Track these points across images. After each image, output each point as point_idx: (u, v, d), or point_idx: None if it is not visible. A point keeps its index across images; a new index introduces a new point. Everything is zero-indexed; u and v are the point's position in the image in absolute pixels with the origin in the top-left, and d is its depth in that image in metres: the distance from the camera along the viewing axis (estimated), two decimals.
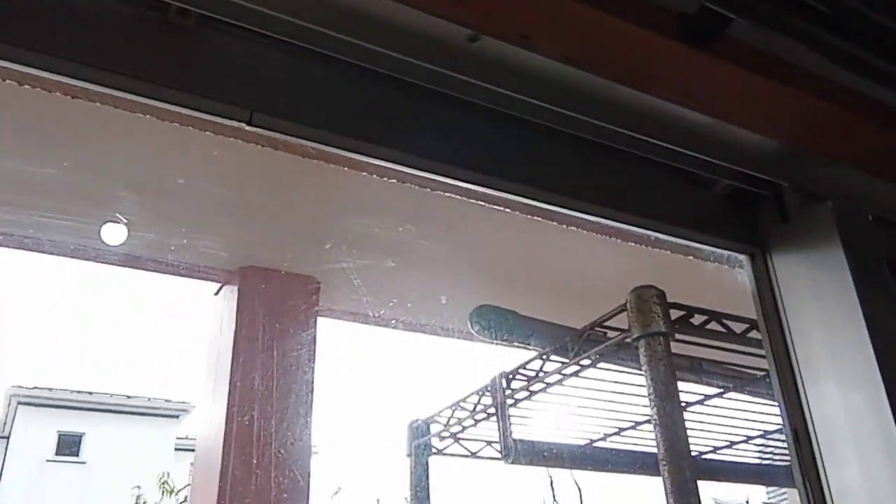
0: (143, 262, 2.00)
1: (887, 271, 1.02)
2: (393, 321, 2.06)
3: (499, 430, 1.55)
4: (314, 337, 2.08)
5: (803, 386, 1.01)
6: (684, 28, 0.90)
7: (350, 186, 1.47)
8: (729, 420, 1.82)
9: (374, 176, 1.09)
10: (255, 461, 1.86)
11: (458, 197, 1.08)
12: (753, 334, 1.22)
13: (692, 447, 2.01)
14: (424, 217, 1.48)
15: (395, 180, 1.09)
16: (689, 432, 1.88)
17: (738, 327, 1.31)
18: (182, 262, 2.02)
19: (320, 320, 2.10)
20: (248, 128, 0.80)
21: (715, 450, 1.96)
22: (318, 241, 1.91)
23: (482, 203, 1.11)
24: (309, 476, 1.91)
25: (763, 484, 2.03)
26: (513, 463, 1.55)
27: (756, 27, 0.92)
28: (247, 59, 0.79)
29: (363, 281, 1.90)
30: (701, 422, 1.82)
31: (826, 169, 1.06)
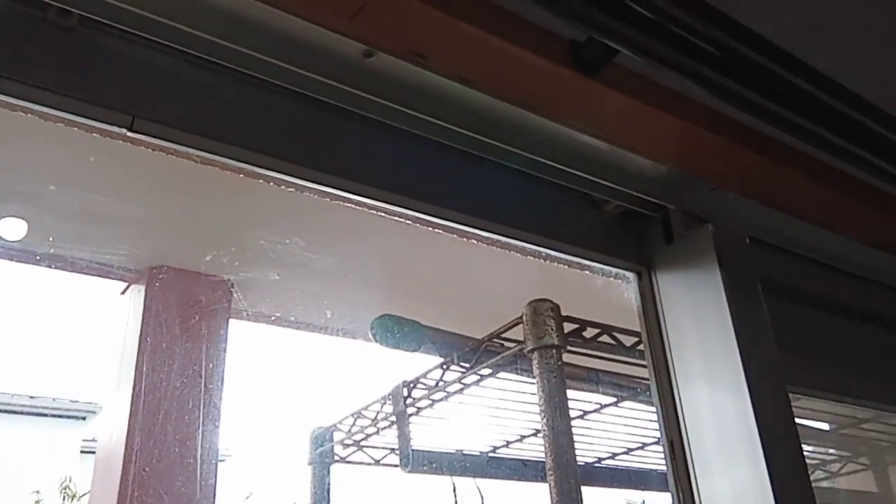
0: (45, 258, 1.91)
1: (760, 290, 1.08)
2: (306, 324, 2.04)
3: (399, 438, 1.55)
4: (225, 339, 2.04)
5: (679, 398, 1.07)
6: (576, 55, 0.93)
7: (250, 194, 1.46)
8: (622, 428, 1.88)
9: (272, 184, 1.08)
10: (158, 465, 1.81)
11: (358, 208, 1.08)
12: (642, 347, 1.26)
13: (587, 455, 2.09)
14: (324, 227, 1.47)
15: (292, 189, 1.08)
16: (584, 440, 1.96)
17: (629, 340, 1.36)
18: (87, 259, 1.95)
19: (233, 322, 2.06)
20: (129, 133, 0.79)
21: (613, 455, 2.03)
22: (222, 245, 1.87)
23: (382, 215, 1.11)
24: (215, 481, 1.87)
25: (650, 489, 2.12)
26: (411, 472, 1.56)
27: (643, 60, 0.96)
28: (130, 63, 0.77)
29: (277, 286, 1.88)
30: (596, 430, 1.88)
31: (709, 193, 1.12)
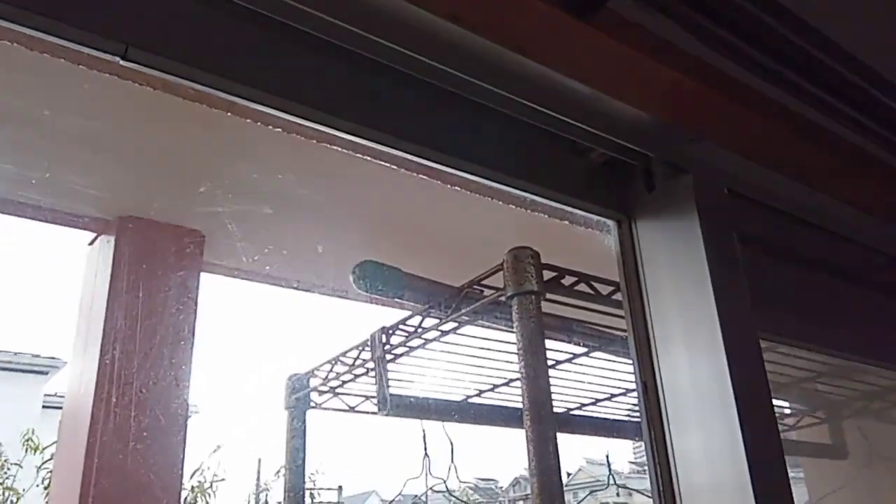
0: (7, 206, 1.86)
1: (737, 241, 1.11)
2: (280, 280, 2.03)
3: (376, 383, 1.58)
4: (196, 293, 2.02)
5: (655, 345, 1.10)
6: None
7: (235, 133, 1.43)
8: (597, 378, 1.93)
9: (259, 124, 1.06)
10: (127, 419, 1.80)
11: (343, 150, 1.07)
12: (618, 296, 1.29)
13: (562, 403, 2.13)
14: (308, 169, 1.46)
15: (280, 129, 1.07)
16: (559, 389, 2.00)
17: (606, 289, 1.39)
18: (52, 208, 1.90)
19: (205, 276, 2.04)
20: (122, 62, 0.77)
21: (581, 406, 2.08)
22: (198, 190, 1.84)
23: (367, 158, 1.11)
24: (185, 435, 1.87)
25: (624, 438, 2.18)
26: (388, 415, 1.58)
27: (637, 4, 0.97)
28: None
29: (243, 232, 1.86)
30: (571, 379, 1.92)
31: (691, 143, 1.14)
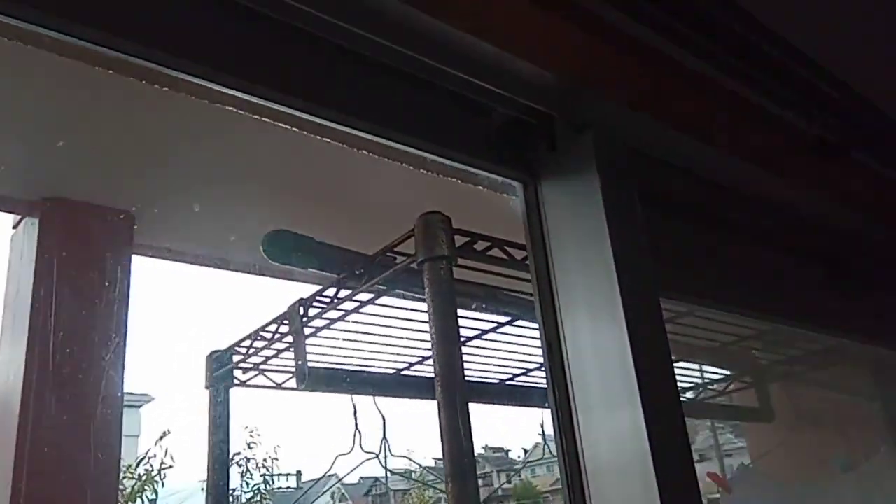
0: None
1: (637, 199, 1.11)
2: (206, 261, 1.99)
3: (295, 356, 1.55)
4: (128, 275, 1.95)
5: (560, 309, 1.09)
6: None
7: (133, 97, 1.38)
8: (524, 348, 1.93)
9: (144, 82, 1.02)
10: (59, 413, 1.74)
11: (238, 110, 1.04)
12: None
13: (495, 375, 2.14)
14: (215, 136, 1.42)
15: (167, 88, 1.03)
16: (488, 360, 2.00)
17: (521, 255, 1.38)
18: None
19: (137, 259, 1.97)
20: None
21: (513, 377, 2.08)
22: (120, 172, 1.78)
23: (266, 119, 1.07)
24: (121, 421, 1.81)
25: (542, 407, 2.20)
26: (307, 389, 1.56)
27: None
28: None
29: (163, 210, 1.81)
30: (498, 349, 1.92)
31: (593, 102, 1.13)
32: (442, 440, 1.17)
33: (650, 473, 0.94)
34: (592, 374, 1.05)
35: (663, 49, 1.11)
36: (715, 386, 2.51)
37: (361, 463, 1.86)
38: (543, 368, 1.12)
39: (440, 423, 1.18)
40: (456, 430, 1.12)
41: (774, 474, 2.74)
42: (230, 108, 1.04)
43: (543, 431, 2.55)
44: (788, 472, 2.66)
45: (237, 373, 1.84)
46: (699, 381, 2.47)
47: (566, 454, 1.05)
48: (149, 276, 2.02)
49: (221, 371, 1.73)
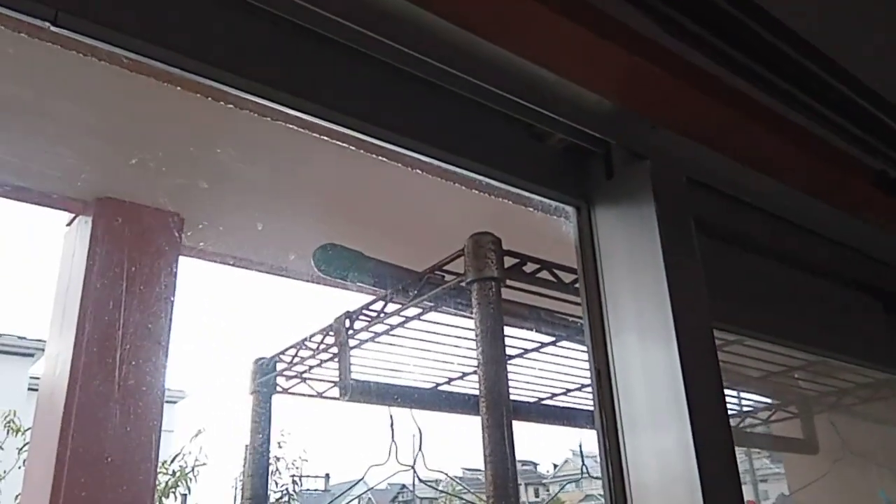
0: None
1: (693, 228, 1.10)
2: (257, 265, 2.02)
3: (339, 368, 1.57)
4: (175, 276, 2.00)
5: (609, 334, 1.09)
6: None
7: (210, 116, 1.42)
8: (567, 367, 1.93)
9: (210, 99, 1.05)
10: (101, 405, 1.78)
11: (301, 130, 1.06)
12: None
13: (532, 393, 2.13)
14: (273, 152, 1.44)
15: (252, 112, 1.05)
16: (528, 379, 2.00)
17: (569, 277, 1.38)
18: (31, 188, 1.88)
19: (184, 260, 2.02)
20: (53, 28, 0.75)
21: (552, 396, 2.07)
22: (175, 172, 1.82)
23: (326, 138, 1.09)
24: (161, 418, 1.85)
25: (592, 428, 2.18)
26: (350, 401, 1.57)
27: None
28: None
29: (216, 215, 1.85)
30: (540, 369, 1.91)
31: (650, 131, 1.13)
32: (485, 462, 1.17)
33: (697, 494, 0.94)
34: (641, 399, 1.05)
35: (726, 80, 1.11)
36: (759, 414, 2.46)
37: (395, 473, 1.87)
38: (587, 389, 1.12)
39: (484, 444, 1.19)
40: (502, 455, 1.12)
41: None
42: (290, 126, 1.06)
43: (581, 450, 2.53)
44: None
45: (280, 379, 1.87)
46: (744, 408, 2.42)
47: (612, 476, 1.05)
48: (197, 277, 2.06)
49: (265, 378, 1.76)
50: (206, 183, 1.63)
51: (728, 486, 1.00)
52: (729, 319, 1.21)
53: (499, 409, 1.18)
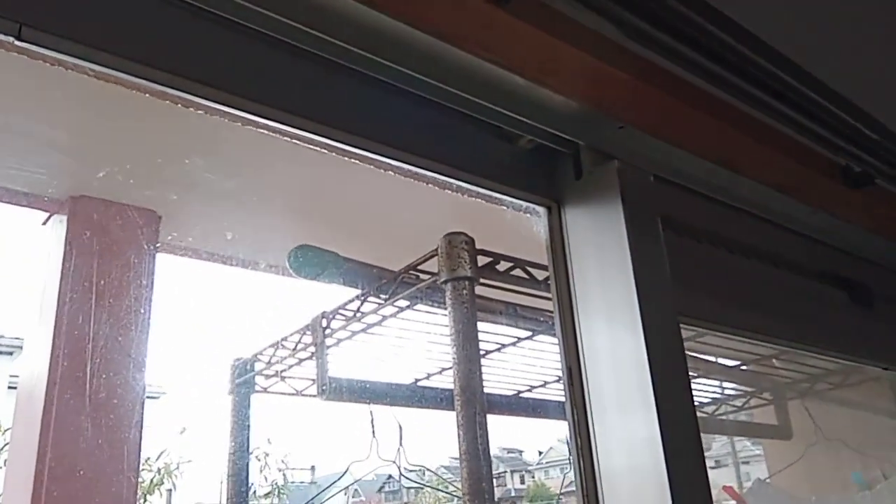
0: None
1: (660, 226, 1.12)
2: (232, 259, 2.01)
3: (317, 367, 1.58)
4: (152, 273, 1.99)
5: (580, 329, 1.11)
6: None
7: (179, 119, 1.41)
8: (544, 360, 1.96)
9: (179, 106, 1.05)
10: (80, 402, 1.78)
11: (272, 135, 1.06)
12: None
13: (511, 386, 2.16)
14: (236, 154, 1.45)
15: (202, 112, 1.06)
16: (505, 372, 2.03)
17: (541, 274, 1.40)
18: (4, 186, 1.86)
19: (161, 256, 2.01)
20: (17, 42, 0.75)
21: (531, 388, 2.10)
22: (153, 171, 1.82)
23: (297, 142, 1.10)
24: (142, 415, 1.85)
25: (557, 419, 2.21)
26: (328, 399, 1.59)
27: None
28: None
29: (194, 214, 1.85)
30: (516, 363, 1.94)
31: (617, 131, 1.14)
32: (461, 458, 1.19)
33: (664, 482, 0.97)
34: (610, 392, 1.07)
35: (689, 80, 1.13)
36: (734, 402, 2.51)
37: (377, 468, 1.89)
38: (561, 380, 1.14)
39: (459, 441, 1.21)
40: (475, 452, 1.14)
41: (791, 490, 2.73)
42: (261, 131, 1.07)
43: (568, 440, 2.56)
44: (806, 488, 2.65)
45: (258, 378, 1.88)
46: (717, 396, 2.47)
47: (582, 464, 1.07)
48: (174, 273, 2.05)
49: (244, 378, 1.77)
50: (176, 195, 1.63)
51: (694, 472, 1.03)
52: (698, 314, 1.24)
53: (472, 407, 1.20)
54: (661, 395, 1.01)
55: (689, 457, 1.02)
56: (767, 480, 2.92)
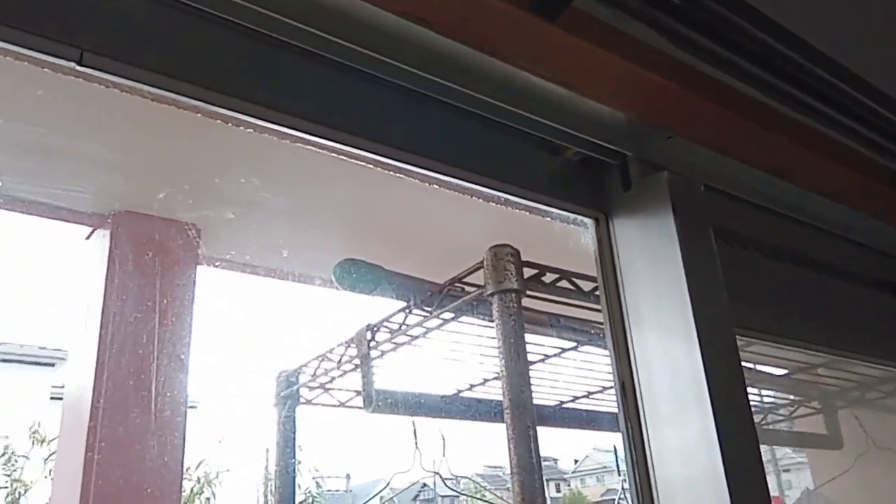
0: (8, 202, 1.88)
1: (712, 237, 1.11)
2: (270, 270, 2.04)
3: (362, 380, 1.59)
4: (193, 286, 2.02)
5: (632, 341, 1.10)
6: None
7: (227, 136, 1.44)
8: (589, 371, 1.94)
9: (230, 125, 1.07)
10: (126, 413, 1.81)
11: (319, 151, 1.08)
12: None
13: (555, 397, 2.14)
14: (283, 171, 1.46)
15: (251, 130, 1.07)
16: (550, 383, 2.01)
17: (587, 285, 1.39)
18: (48, 202, 1.91)
19: (202, 269, 2.04)
20: (78, 68, 0.77)
21: (574, 399, 2.08)
22: (189, 189, 1.85)
23: (344, 158, 1.11)
24: (184, 429, 1.88)
25: (615, 431, 2.19)
26: (373, 412, 1.59)
27: (601, 4, 0.97)
28: None
29: (238, 228, 1.88)
30: (561, 373, 1.93)
31: (666, 141, 1.14)
32: (512, 472, 1.19)
33: (723, 490, 0.95)
34: (665, 404, 1.06)
35: (737, 87, 1.11)
36: (781, 411, 2.46)
37: (419, 481, 1.89)
38: (609, 391, 1.13)
39: (510, 455, 1.20)
40: (529, 465, 1.14)
41: (842, 500, 2.67)
42: (310, 148, 1.08)
43: (616, 449, 2.54)
44: (856, 497, 2.58)
45: (303, 390, 1.89)
46: (765, 405, 2.42)
47: (637, 474, 1.06)
48: (216, 286, 2.08)
49: (289, 390, 1.78)
50: (232, 213, 1.66)
51: (754, 483, 1.02)
52: (751, 324, 1.22)
53: (524, 420, 1.19)
54: (718, 406, 0.99)
55: (749, 468, 1.01)
56: (815, 492, 2.86)
